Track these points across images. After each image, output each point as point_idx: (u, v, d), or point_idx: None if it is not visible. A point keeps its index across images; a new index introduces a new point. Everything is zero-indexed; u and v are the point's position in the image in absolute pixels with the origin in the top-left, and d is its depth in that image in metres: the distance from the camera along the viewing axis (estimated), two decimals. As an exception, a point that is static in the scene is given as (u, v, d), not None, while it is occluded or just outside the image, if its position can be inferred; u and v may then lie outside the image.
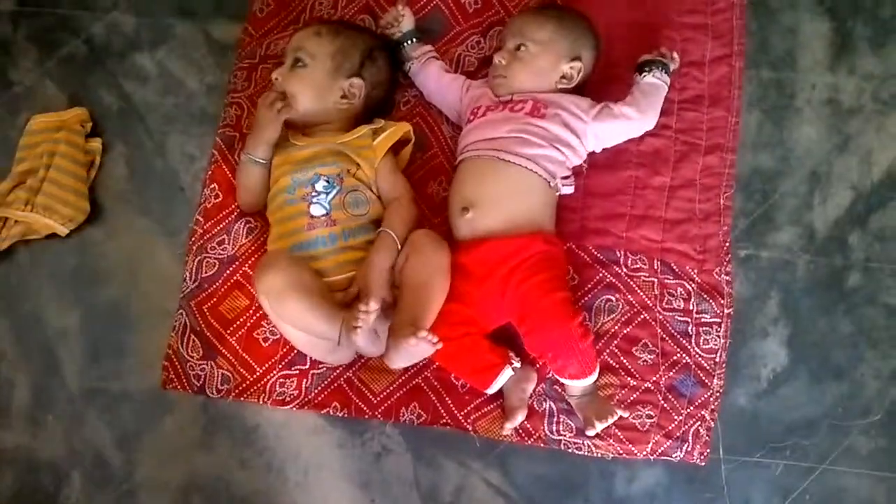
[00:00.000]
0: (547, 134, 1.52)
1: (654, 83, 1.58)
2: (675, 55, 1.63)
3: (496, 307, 1.47)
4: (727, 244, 1.60)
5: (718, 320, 1.56)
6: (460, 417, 1.52)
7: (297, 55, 1.56)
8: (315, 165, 1.51)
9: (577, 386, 1.45)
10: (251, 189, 1.56)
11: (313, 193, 1.49)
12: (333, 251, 1.46)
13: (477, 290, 1.46)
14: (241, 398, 1.54)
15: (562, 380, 1.46)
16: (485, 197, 1.48)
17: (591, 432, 1.45)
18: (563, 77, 1.57)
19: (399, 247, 1.45)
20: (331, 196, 1.49)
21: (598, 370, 1.45)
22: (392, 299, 1.43)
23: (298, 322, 1.40)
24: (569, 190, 1.56)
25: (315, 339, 1.44)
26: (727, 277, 1.58)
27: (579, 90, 1.60)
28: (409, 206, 1.53)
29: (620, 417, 1.45)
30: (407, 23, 1.68)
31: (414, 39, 1.68)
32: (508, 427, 1.47)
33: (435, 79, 1.67)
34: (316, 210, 1.48)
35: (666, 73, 1.60)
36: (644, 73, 1.59)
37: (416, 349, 1.34)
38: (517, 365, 1.48)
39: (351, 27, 1.65)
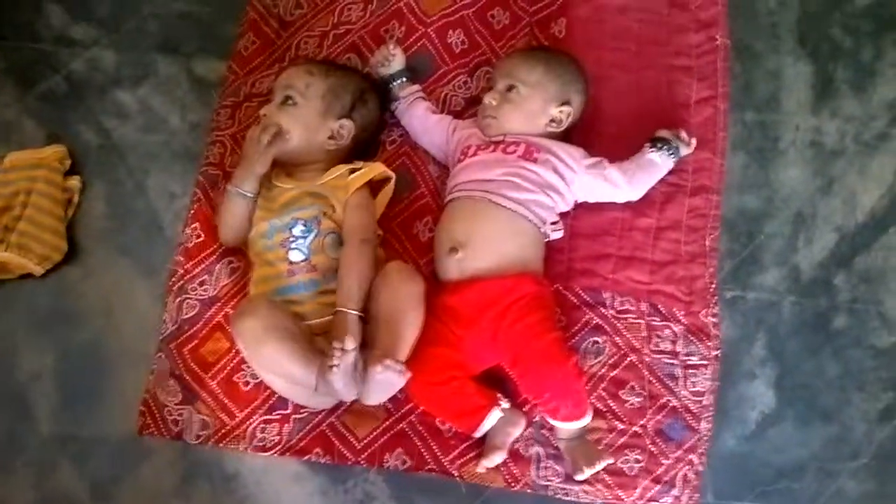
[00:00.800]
0: (538, 179, 1.52)
1: (656, 163, 1.58)
2: (693, 142, 1.62)
3: (486, 349, 1.45)
4: (713, 286, 1.60)
5: (706, 362, 1.54)
6: (446, 463, 1.48)
7: (287, 93, 1.54)
8: (292, 210, 1.49)
9: (568, 429, 1.43)
10: (235, 223, 1.53)
11: (291, 238, 1.47)
12: (313, 295, 1.45)
13: (466, 332, 1.44)
14: (221, 444, 1.50)
15: (554, 422, 1.43)
16: (475, 238, 1.47)
17: (580, 477, 1.42)
18: (552, 120, 1.57)
19: (361, 313, 1.41)
20: (309, 240, 1.47)
21: (591, 413, 1.43)
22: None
23: (276, 367, 1.38)
24: (558, 235, 1.56)
25: (292, 385, 1.42)
26: (714, 319, 1.57)
27: (567, 133, 1.61)
28: (360, 250, 1.45)
29: (609, 462, 1.43)
30: (398, 62, 1.68)
31: (404, 79, 1.68)
32: (483, 465, 1.45)
33: (421, 119, 1.67)
34: (295, 256, 1.46)
35: (674, 157, 1.59)
36: (653, 149, 1.58)
37: (384, 378, 1.32)
38: (506, 406, 1.45)
39: (341, 68, 1.65)
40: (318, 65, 1.61)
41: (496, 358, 1.48)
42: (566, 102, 1.57)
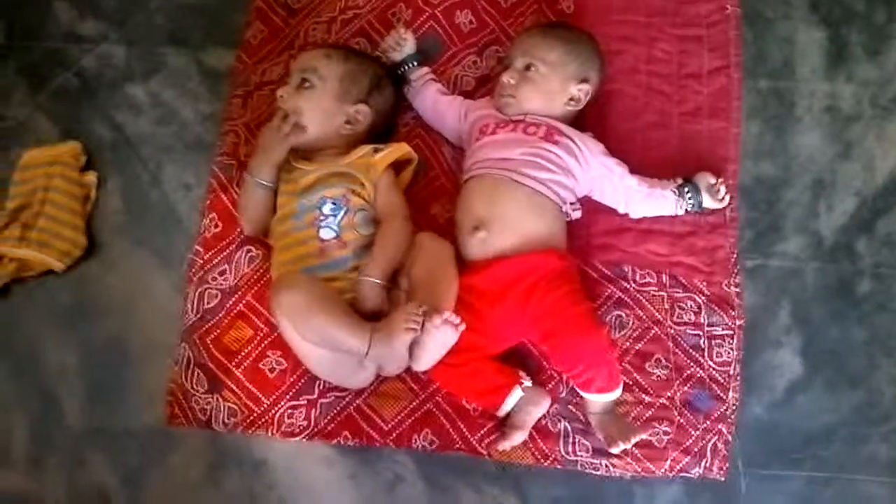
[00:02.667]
0: (559, 161, 1.50)
1: (669, 203, 1.55)
2: (725, 200, 1.57)
3: (511, 327, 1.45)
4: (735, 255, 1.59)
5: (730, 332, 1.54)
6: (474, 442, 1.48)
7: (304, 76, 1.54)
8: (319, 189, 1.49)
9: (600, 401, 1.43)
10: (256, 212, 1.53)
11: (321, 217, 1.47)
12: (345, 272, 1.45)
13: (491, 310, 1.44)
14: (249, 431, 1.50)
15: (586, 395, 1.43)
16: (498, 216, 1.46)
17: (615, 450, 1.42)
18: (571, 99, 1.56)
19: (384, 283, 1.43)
20: (339, 218, 1.47)
21: (622, 385, 1.43)
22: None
23: (324, 338, 1.36)
24: (577, 215, 1.55)
25: (338, 359, 1.41)
26: (737, 289, 1.57)
27: (583, 110, 1.59)
28: (402, 227, 1.50)
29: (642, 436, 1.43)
30: (409, 46, 1.67)
31: (415, 62, 1.67)
32: (504, 445, 1.45)
33: (432, 101, 1.66)
34: (325, 234, 1.46)
35: (692, 208, 1.56)
36: (676, 192, 1.55)
37: (441, 332, 1.33)
38: (528, 384, 1.45)
39: (360, 54, 1.64)
40: (336, 50, 1.60)
41: (521, 335, 1.49)
42: (585, 80, 1.56)
